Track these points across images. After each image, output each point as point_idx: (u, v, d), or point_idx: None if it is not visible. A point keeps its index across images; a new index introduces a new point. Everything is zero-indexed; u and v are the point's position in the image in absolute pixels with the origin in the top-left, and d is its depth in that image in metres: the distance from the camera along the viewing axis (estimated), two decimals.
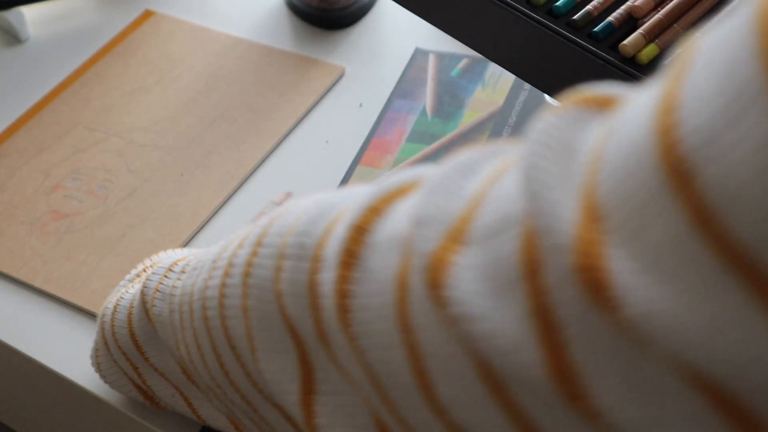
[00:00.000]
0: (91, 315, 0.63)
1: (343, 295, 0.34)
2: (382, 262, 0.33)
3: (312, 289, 0.36)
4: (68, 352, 0.61)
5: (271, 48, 0.81)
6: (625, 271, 0.25)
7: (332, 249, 0.35)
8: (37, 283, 0.64)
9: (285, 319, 0.39)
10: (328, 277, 0.35)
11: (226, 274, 0.42)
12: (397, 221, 0.33)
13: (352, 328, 0.34)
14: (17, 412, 0.71)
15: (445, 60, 0.75)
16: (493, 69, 0.74)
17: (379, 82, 0.77)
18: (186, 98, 0.77)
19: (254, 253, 0.40)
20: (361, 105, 0.74)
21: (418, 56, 0.76)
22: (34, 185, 0.71)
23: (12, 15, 0.84)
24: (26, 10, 0.87)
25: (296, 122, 0.74)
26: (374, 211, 0.34)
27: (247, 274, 0.40)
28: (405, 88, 0.74)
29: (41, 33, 0.85)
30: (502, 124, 0.69)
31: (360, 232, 0.34)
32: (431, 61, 0.76)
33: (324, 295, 0.35)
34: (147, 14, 0.86)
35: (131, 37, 0.83)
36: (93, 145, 0.74)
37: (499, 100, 0.71)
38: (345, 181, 0.67)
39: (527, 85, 0.72)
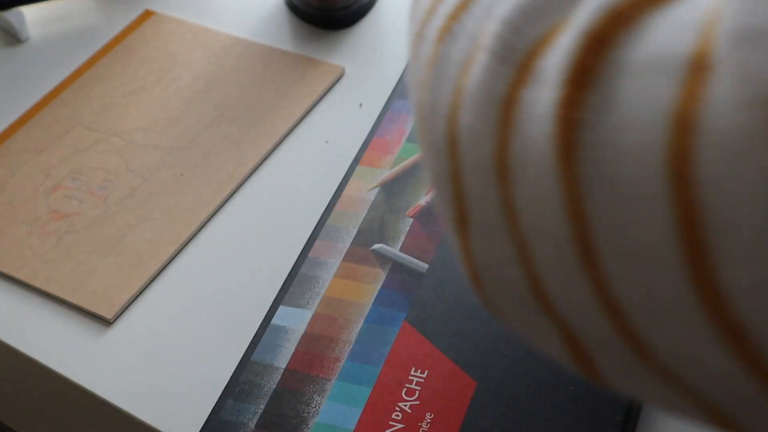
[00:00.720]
0: (91, 315, 0.63)
1: (569, 124, 0.25)
2: (640, 88, 0.24)
3: (509, 105, 0.27)
4: (68, 352, 0.61)
5: (271, 48, 0.81)
6: None
7: (555, 63, 0.26)
8: (37, 283, 0.64)
9: (450, 124, 0.30)
10: (544, 98, 0.26)
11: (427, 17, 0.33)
12: (666, 34, 0.24)
13: (579, 170, 0.25)
14: (17, 412, 0.71)
15: None
16: None
17: (379, 82, 0.77)
18: (186, 98, 0.77)
19: (454, 16, 0.31)
20: (361, 105, 0.74)
21: None
22: (34, 185, 0.71)
23: (12, 15, 0.84)
24: (26, 10, 0.87)
25: (296, 122, 0.74)
26: (619, 18, 0.25)
27: (439, 40, 0.31)
28: (405, 88, 0.74)
29: (41, 33, 0.85)
30: None
31: (599, 44, 0.25)
32: None
33: (529, 118, 0.27)
34: (147, 14, 0.86)
35: (131, 37, 0.83)
36: (93, 145, 0.74)
37: None
38: (345, 181, 0.67)
39: None
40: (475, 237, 0.30)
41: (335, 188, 0.68)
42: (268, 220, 0.68)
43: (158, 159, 0.72)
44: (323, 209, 0.67)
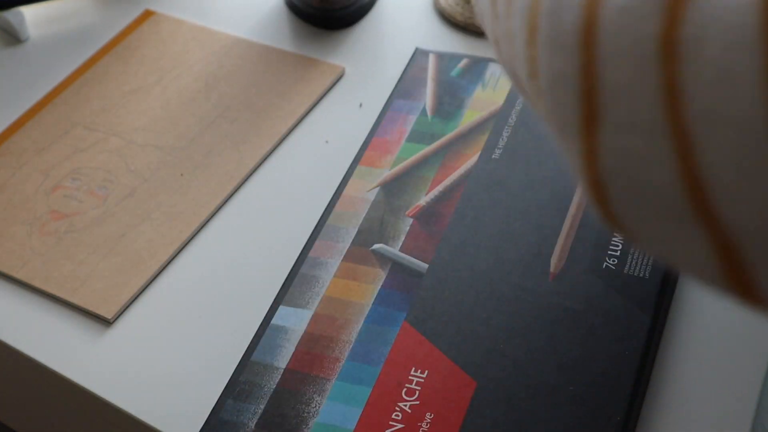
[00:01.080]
0: (91, 315, 0.63)
1: None
2: None
3: None
4: (68, 352, 0.61)
5: (271, 48, 0.81)
6: None
7: None
8: (37, 283, 0.64)
9: (588, 11, 0.27)
10: None
11: None
12: None
13: None
14: (17, 412, 0.71)
15: (445, 60, 0.75)
16: (493, 69, 0.74)
17: (378, 81, 0.77)
18: (186, 98, 0.77)
19: None
20: (361, 105, 0.74)
21: (419, 56, 0.76)
22: (34, 185, 0.71)
23: (12, 15, 0.84)
24: (26, 10, 0.87)
25: (296, 122, 0.74)
26: None
27: None
28: (405, 88, 0.74)
29: (41, 33, 0.85)
30: (502, 124, 0.69)
31: None
32: (431, 61, 0.76)
33: None
34: (147, 14, 0.86)
35: (131, 37, 0.83)
36: (93, 145, 0.74)
37: (499, 99, 0.71)
38: (345, 181, 0.67)
39: None
40: (609, 137, 0.27)
41: (335, 188, 0.68)
42: (267, 219, 0.67)
43: (158, 159, 0.72)
44: (323, 209, 0.67)
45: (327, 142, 0.72)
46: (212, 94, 0.77)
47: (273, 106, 0.75)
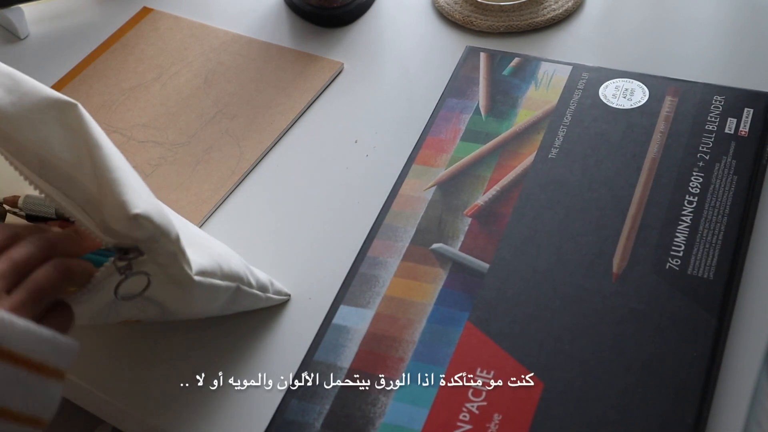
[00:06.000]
0: None
1: None
2: None
3: None
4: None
5: (270, 44, 0.81)
6: None
7: None
8: None
9: None
10: None
11: None
12: None
13: None
14: None
15: (496, 59, 0.75)
16: (546, 68, 0.73)
17: (378, 78, 0.76)
18: (185, 94, 0.77)
19: None
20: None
21: (470, 55, 0.76)
22: None
23: (12, 12, 0.84)
24: (26, 8, 0.87)
25: (296, 117, 0.74)
26: None
27: None
28: (457, 86, 0.73)
29: (41, 30, 0.86)
30: (557, 124, 0.69)
31: None
32: (482, 59, 0.75)
33: None
34: (145, 11, 0.86)
35: (129, 34, 0.83)
36: None
37: (552, 98, 0.71)
38: (401, 180, 0.67)
39: (581, 84, 0.71)
40: None
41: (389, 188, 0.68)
42: (270, 214, 0.67)
43: (159, 155, 0.72)
44: (380, 208, 0.66)
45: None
46: (212, 91, 0.77)
47: (272, 101, 0.75)
